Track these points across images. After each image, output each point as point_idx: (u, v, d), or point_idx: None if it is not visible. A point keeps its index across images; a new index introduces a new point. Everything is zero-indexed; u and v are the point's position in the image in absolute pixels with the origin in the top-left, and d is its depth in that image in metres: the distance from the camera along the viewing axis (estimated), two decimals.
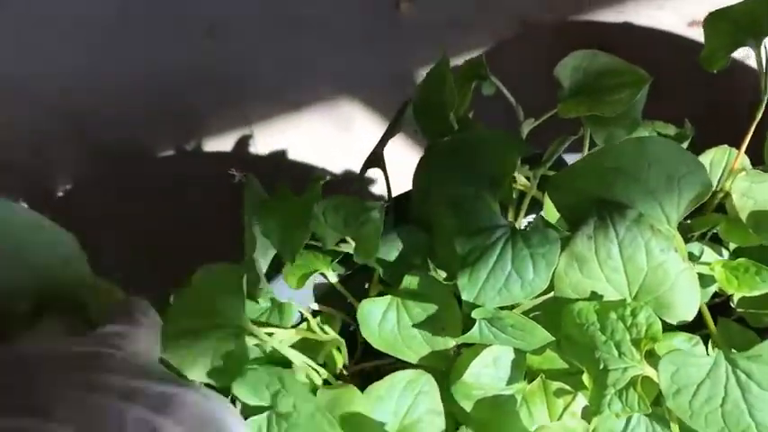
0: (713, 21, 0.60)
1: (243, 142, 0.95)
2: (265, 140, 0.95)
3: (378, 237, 0.51)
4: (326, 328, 0.58)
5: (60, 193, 0.93)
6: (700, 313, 0.51)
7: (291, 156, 0.93)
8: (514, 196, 0.59)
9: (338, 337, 0.58)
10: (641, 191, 0.49)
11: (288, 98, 0.97)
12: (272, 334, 0.53)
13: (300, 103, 0.96)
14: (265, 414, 0.46)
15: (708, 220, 0.60)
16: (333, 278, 0.59)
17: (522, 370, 0.52)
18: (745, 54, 0.93)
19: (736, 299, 0.60)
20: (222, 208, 0.75)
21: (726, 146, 0.64)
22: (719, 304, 0.63)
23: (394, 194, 0.62)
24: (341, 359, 0.58)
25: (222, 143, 0.94)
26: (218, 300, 0.48)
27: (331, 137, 0.94)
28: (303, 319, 0.58)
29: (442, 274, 0.54)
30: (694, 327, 0.52)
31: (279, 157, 0.94)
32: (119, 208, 0.92)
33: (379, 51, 0.99)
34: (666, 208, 0.50)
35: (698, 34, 0.92)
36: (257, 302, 0.54)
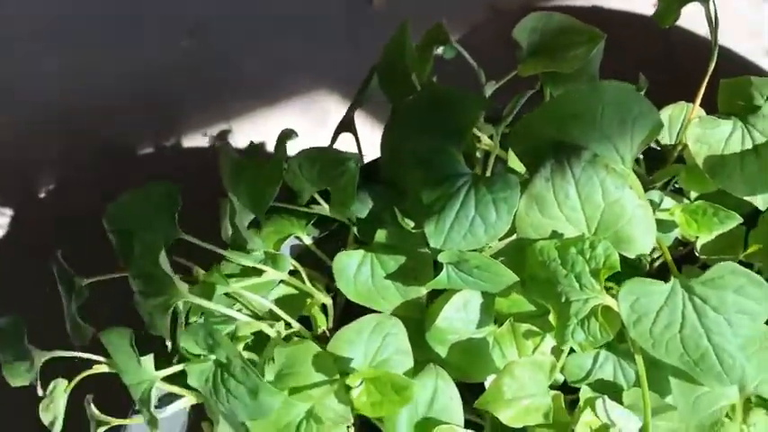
0: None
1: (222, 137, 0.97)
2: (244, 135, 0.98)
3: (354, 187, 0.53)
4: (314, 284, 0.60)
5: (46, 192, 0.95)
6: (665, 265, 0.52)
7: (269, 150, 0.96)
8: (479, 155, 0.61)
9: (325, 294, 0.60)
10: (596, 134, 0.52)
11: (265, 94, 0.99)
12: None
13: (278, 98, 0.99)
14: (209, 363, 0.48)
15: (668, 170, 0.62)
16: (308, 240, 0.61)
17: (491, 313, 0.54)
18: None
19: (699, 246, 0.62)
20: (204, 201, 0.77)
21: (683, 102, 0.66)
22: (685, 255, 0.65)
23: (366, 161, 0.65)
24: (323, 320, 0.60)
25: (203, 139, 0.97)
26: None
27: (308, 131, 0.97)
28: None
29: (412, 225, 0.56)
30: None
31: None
32: (105, 204, 0.94)
33: (354, 45, 1.01)
34: (620, 148, 0.52)
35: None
36: (249, 254, 0.56)
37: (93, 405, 0.53)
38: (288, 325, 0.56)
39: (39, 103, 0.97)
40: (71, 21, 1.01)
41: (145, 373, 0.51)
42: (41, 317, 0.76)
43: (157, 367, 0.52)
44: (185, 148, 0.97)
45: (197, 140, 0.96)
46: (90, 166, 0.94)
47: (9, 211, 0.93)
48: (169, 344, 0.52)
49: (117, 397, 0.59)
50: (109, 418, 0.53)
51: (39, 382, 0.53)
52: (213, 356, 0.50)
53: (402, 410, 0.50)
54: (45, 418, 0.53)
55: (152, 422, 0.49)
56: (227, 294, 0.57)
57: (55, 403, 0.53)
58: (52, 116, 0.96)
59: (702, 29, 0.85)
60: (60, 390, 0.53)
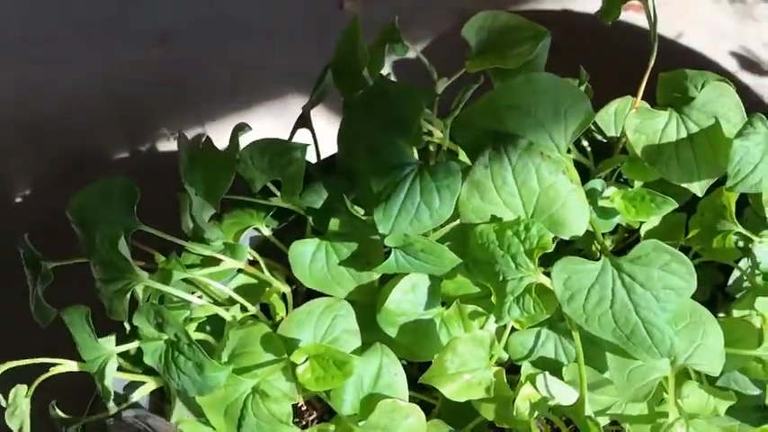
0: None
1: (196, 142, 1.00)
2: (218, 139, 1.00)
3: (301, 175, 0.56)
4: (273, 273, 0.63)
5: (21, 199, 0.96)
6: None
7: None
8: (432, 149, 0.64)
9: (284, 283, 0.63)
10: (532, 123, 0.55)
11: (239, 98, 1.01)
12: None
13: (251, 102, 1.01)
14: (161, 342, 0.51)
15: (612, 160, 0.65)
16: (266, 232, 0.64)
17: (438, 296, 0.57)
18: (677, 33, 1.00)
19: (643, 232, 0.65)
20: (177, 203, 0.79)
21: (629, 96, 0.69)
22: (631, 243, 0.68)
23: (324, 157, 0.67)
24: (282, 307, 0.63)
25: (175, 145, 0.99)
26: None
27: (280, 134, 0.99)
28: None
29: (363, 213, 0.59)
30: None
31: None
32: None
33: (326, 49, 1.03)
34: (555, 137, 0.55)
35: (633, 17, 0.97)
36: (209, 244, 0.59)
37: (57, 409, 0.55)
38: (244, 310, 0.59)
39: (7, 112, 0.98)
40: (41, 30, 1.03)
41: (102, 349, 0.53)
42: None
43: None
44: (159, 153, 0.99)
45: (170, 146, 0.99)
46: (60, 176, 0.95)
47: None
48: (128, 326, 0.55)
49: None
50: (75, 417, 0.55)
51: None
52: (165, 336, 0.52)
53: (348, 385, 0.53)
54: (12, 425, 0.55)
55: (105, 394, 0.52)
56: (187, 281, 0.59)
57: (19, 409, 0.55)
58: (24, 127, 0.98)
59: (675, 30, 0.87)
60: (21, 395, 0.55)
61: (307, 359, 0.51)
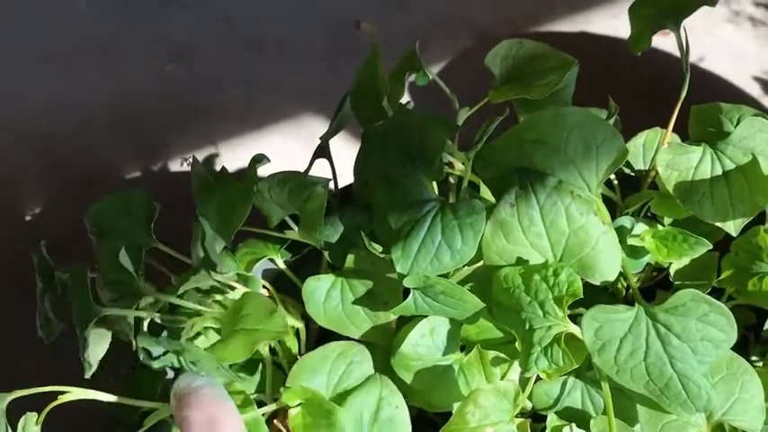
0: (637, 7, 0.63)
1: (208, 162, 0.98)
2: (230, 159, 0.98)
3: (322, 211, 0.53)
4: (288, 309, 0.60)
5: (31, 218, 0.95)
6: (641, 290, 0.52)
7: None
8: (453, 181, 0.61)
9: (298, 319, 0.60)
10: (561, 160, 0.52)
11: (253, 116, 0.99)
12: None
13: (265, 120, 0.99)
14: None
15: (641, 196, 0.62)
16: (281, 264, 0.61)
17: (457, 340, 0.54)
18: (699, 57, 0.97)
19: (672, 272, 0.62)
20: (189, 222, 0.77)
21: (657, 128, 0.66)
22: (659, 281, 0.65)
23: (341, 186, 0.65)
24: (294, 343, 0.60)
25: (188, 165, 0.97)
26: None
27: (295, 153, 0.97)
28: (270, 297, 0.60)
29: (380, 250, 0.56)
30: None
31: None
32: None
33: (341, 69, 1.02)
34: (585, 175, 0.52)
35: (656, 41, 0.95)
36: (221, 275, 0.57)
37: None
38: None
39: (19, 130, 0.97)
40: (56, 47, 1.02)
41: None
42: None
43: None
44: (172, 171, 0.97)
45: (183, 166, 0.97)
46: (73, 195, 0.94)
47: None
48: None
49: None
50: None
51: (8, 428, 0.53)
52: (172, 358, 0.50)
53: (346, 423, 0.50)
54: None
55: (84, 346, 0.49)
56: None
57: None
58: (34, 145, 0.96)
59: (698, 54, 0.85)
60: (31, 423, 0.53)
61: (299, 403, 0.48)
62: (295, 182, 0.55)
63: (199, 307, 0.55)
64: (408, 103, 0.64)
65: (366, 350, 0.53)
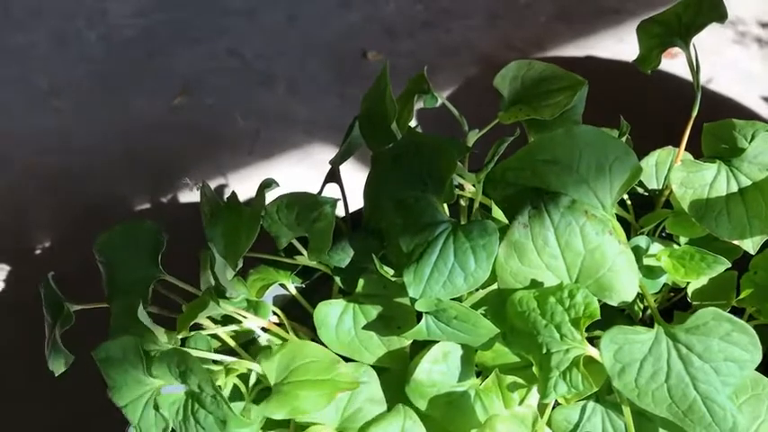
0: (645, 25, 0.63)
1: (218, 192, 0.97)
2: (241, 190, 0.97)
3: (330, 232, 0.53)
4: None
5: (42, 250, 0.95)
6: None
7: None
8: (464, 204, 0.61)
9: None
10: (574, 179, 0.51)
11: (262, 147, 0.99)
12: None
13: (274, 151, 0.99)
14: (182, 392, 0.47)
15: (656, 215, 0.61)
16: (292, 289, 0.60)
17: (472, 365, 0.53)
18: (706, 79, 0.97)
19: (690, 291, 0.61)
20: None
21: (670, 147, 0.65)
22: (677, 301, 0.63)
23: (352, 210, 0.64)
24: None
25: (198, 194, 0.97)
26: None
27: (305, 181, 0.97)
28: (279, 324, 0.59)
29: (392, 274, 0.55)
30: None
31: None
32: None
33: (349, 99, 1.02)
34: (599, 194, 0.51)
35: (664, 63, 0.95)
36: (229, 300, 0.56)
37: None
38: None
39: (28, 162, 0.97)
40: (66, 80, 1.02)
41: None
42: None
43: None
44: (180, 203, 0.97)
45: (192, 196, 0.97)
46: (81, 228, 0.93)
47: None
48: None
49: None
50: None
51: None
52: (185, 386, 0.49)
53: None
54: None
55: None
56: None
57: None
58: (46, 177, 0.97)
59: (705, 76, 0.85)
60: None
61: None
62: (304, 202, 0.55)
63: (209, 355, 0.54)
64: (417, 126, 0.63)
65: (372, 370, 0.53)
